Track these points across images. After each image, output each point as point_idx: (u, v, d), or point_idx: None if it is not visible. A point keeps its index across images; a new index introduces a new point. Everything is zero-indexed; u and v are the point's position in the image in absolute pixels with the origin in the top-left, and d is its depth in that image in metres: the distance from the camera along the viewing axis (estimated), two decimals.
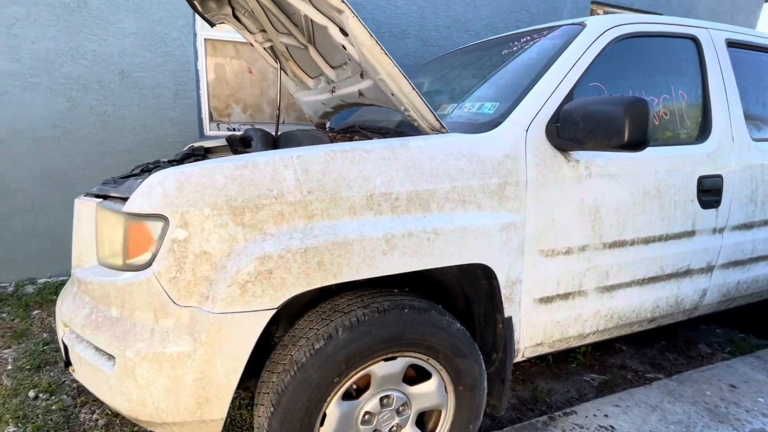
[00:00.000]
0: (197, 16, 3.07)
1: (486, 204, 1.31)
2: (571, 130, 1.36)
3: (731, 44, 1.94)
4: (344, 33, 1.43)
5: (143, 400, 1.08)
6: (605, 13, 4.44)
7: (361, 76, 1.59)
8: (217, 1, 2.24)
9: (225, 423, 1.48)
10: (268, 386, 1.20)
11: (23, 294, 2.87)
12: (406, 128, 1.85)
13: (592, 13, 4.35)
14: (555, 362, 2.34)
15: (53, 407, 1.83)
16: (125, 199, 1.22)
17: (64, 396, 1.91)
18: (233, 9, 2.29)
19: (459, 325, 1.35)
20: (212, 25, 2.36)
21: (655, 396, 1.97)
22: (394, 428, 1.37)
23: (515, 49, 1.81)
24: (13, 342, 2.32)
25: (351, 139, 1.68)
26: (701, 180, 1.73)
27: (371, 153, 1.21)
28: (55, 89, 2.80)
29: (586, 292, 1.58)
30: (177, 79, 3.02)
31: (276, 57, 2.46)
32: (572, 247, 1.49)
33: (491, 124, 1.43)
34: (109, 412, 1.82)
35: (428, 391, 1.37)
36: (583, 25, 1.65)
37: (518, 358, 1.57)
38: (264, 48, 2.43)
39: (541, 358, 2.36)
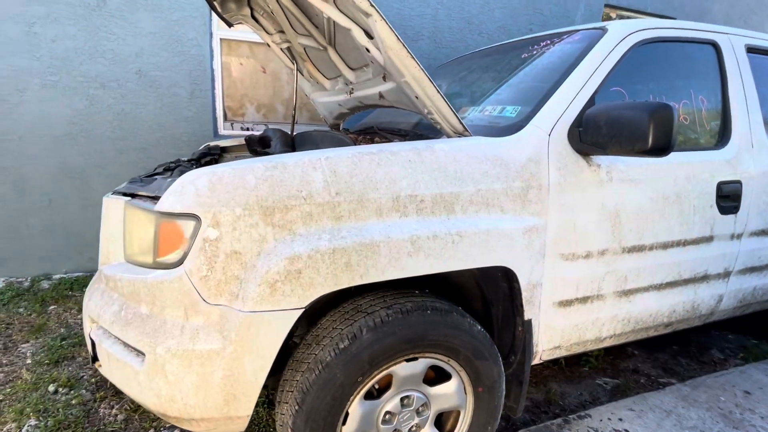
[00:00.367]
0: (214, 17, 3.10)
1: (509, 207, 1.32)
2: (594, 135, 1.36)
3: (751, 50, 1.94)
4: (369, 36, 1.44)
5: (172, 396, 1.10)
6: (618, 16, 4.43)
7: (384, 78, 1.61)
8: (237, 2, 2.27)
9: None
10: (291, 384, 1.21)
11: (39, 289, 2.91)
12: (424, 130, 1.86)
13: (605, 16, 4.34)
14: (568, 365, 2.35)
15: (73, 401, 1.86)
16: (154, 198, 1.24)
17: (83, 391, 1.94)
18: (252, 10, 2.32)
19: (480, 327, 1.36)
20: (230, 25, 2.38)
21: (669, 401, 1.97)
22: (414, 428, 1.38)
23: (535, 52, 1.81)
24: (31, 336, 2.35)
25: (372, 141, 1.69)
26: (720, 186, 1.73)
27: (397, 155, 1.22)
28: (73, 87, 2.83)
29: (604, 296, 1.58)
30: (193, 78, 3.05)
31: (293, 58, 2.48)
32: (592, 251, 1.50)
33: (514, 127, 1.44)
34: (128, 407, 1.84)
35: (448, 392, 1.38)
36: (604, 30, 1.66)
37: (535, 361, 1.58)
38: (281, 49, 2.45)
39: (554, 361, 2.37)
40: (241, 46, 3.27)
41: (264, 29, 2.38)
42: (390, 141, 1.68)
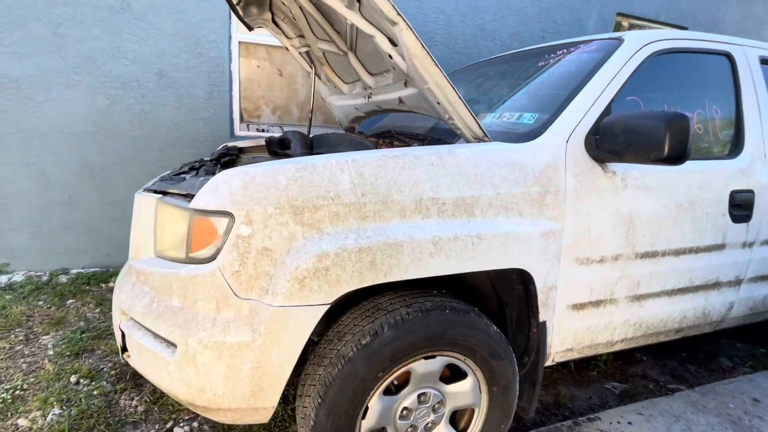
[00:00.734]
0: (233, 20, 3.16)
1: (527, 211, 1.36)
2: (610, 142, 1.40)
3: (765, 61, 1.97)
4: (393, 43, 1.49)
5: (202, 386, 1.14)
6: (630, 24, 4.46)
7: (405, 84, 1.65)
8: (259, 7, 2.33)
9: None
10: (314, 378, 1.25)
11: (57, 283, 2.98)
12: (441, 134, 1.91)
13: (618, 24, 4.37)
14: (577, 369, 2.37)
15: (94, 392, 1.91)
16: (185, 196, 1.29)
17: (104, 382, 1.99)
18: (273, 14, 2.37)
19: (495, 328, 1.39)
20: (251, 29, 2.44)
21: (678, 406, 1.99)
22: (429, 425, 1.42)
23: (552, 61, 1.85)
24: (51, 329, 2.41)
25: (391, 145, 1.74)
26: (733, 194, 1.75)
27: (420, 159, 1.26)
28: (96, 87, 2.91)
29: (617, 301, 1.61)
30: (211, 79, 3.12)
31: (311, 62, 2.53)
32: (606, 256, 1.53)
33: (532, 134, 1.48)
34: (148, 399, 1.89)
35: (463, 391, 1.42)
36: (621, 40, 1.70)
37: (548, 363, 1.61)
38: (300, 53, 2.51)
39: (563, 365, 2.39)
40: (258, 49, 3.34)
41: (284, 33, 2.44)
42: (409, 145, 1.72)
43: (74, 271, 3.14)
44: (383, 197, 1.19)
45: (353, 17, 1.54)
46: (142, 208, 1.41)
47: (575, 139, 1.46)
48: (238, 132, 3.36)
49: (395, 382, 1.35)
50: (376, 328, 1.23)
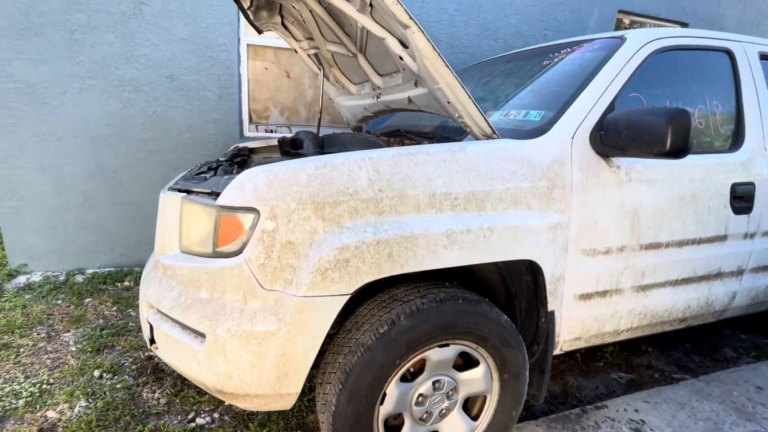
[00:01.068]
0: (242, 23, 3.23)
1: (535, 205, 1.42)
2: (614, 138, 1.46)
3: (764, 57, 2.02)
4: (403, 45, 1.55)
5: (230, 373, 1.21)
6: (631, 21, 4.51)
7: (416, 84, 1.71)
8: (269, 11, 2.39)
9: None
10: (334, 366, 1.32)
11: (74, 283, 3.05)
12: (448, 132, 1.97)
13: (619, 22, 4.42)
14: (583, 360, 2.43)
15: (117, 386, 1.98)
16: (210, 194, 1.35)
17: (126, 376, 2.06)
18: (282, 18, 2.44)
19: (506, 318, 1.45)
20: (260, 32, 2.50)
21: (683, 394, 2.04)
22: (443, 411, 1.48)
23: (556, 59, 1.91)
24: (72, 326, 2.49)
25: (402, 143, 1.80)
26: (734, 187, 1.81)
27: (433, 156, 1.32)
28: (109, 91, 2.98)
29: (622, 291, 1.67)
30: (221, 82, 3.18)
31: (319, 63, 2.60)
32: (611, 247, 1.59)
33: (538, 131, 1.53)
34: (170, 392, 1.96)
35: (476, 378, 1.48)
36: (623, 39, 1.75)
37: (556, 351, 1.67)
38: (308, 55, 2.57)
39: (570, 356, 2.45)
40: (266, 51, 3.40)
41: (292, 36, 2.50)
42: (419, 143, 1.78)
43: (90, 270, 3.22)
44: (399, 193, 1.26)
45: (365, 20, 1.60)
46: (167, 206, 1.48)
47: (580, 135, 1.52)
48: (247, 133, 3.42)
49: (411, 370, 1.42)
50: (393, 318, 1.29)
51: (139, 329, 2.50)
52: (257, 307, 1.18)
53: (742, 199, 1.84)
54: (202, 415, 1.83)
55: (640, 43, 1.72)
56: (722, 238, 1.83)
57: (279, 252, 1.17)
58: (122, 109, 3.04)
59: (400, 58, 1.60)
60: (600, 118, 1.55)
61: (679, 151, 1.35)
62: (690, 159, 1.73)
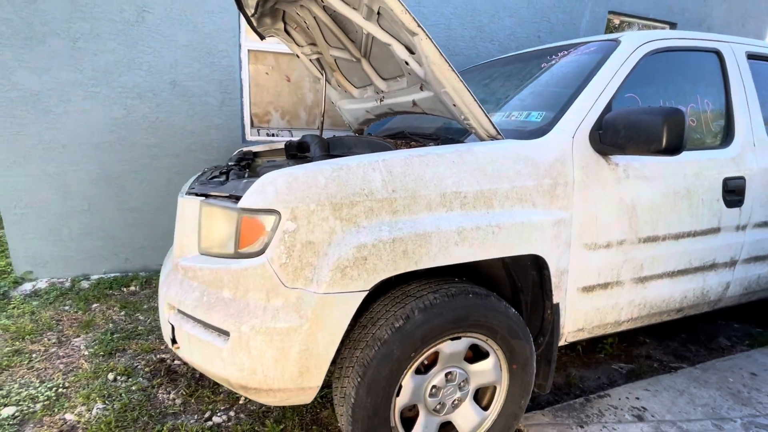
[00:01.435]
0: (243, 28, 3.28)
1: (540, 202, 1.49)
2: (613, 137, 1.53)
3: (751, 56, 2.11)
4: (410, 51, 1.61)
5: (254, 369, 1.26)
6: (621, 22, 4.61)
7: (421, 88, 1.77)
8: (272, 18, 2.44)
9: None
10: (351, 361, 1.37)
11: (80, 289, 3.07)
12: (451, 134, 2.03)
13: (609, 22, 4.52)
14: (585, 353, 2.50)
15: (133, 388, 2.02)
16: (229, 197, 1.41)
17: (140, 378, 2.10)
18: (285, 24, 2.49)
19: (513, 310, 1.52)
20: (263, 38, 2.55)
21: (681, 382, 2.13)
22: (456, 402, 1.54)
23: (554, 62, 1.98)
24: (81, 331, 2.52)
25: (408, 145, 1.86)
26: (726, 181, 1.89)
27: (443, 157, 1.39)
28: (112, 98, 3.01)
29: (622, 283, 1.74)
30: (223, 87, 3.23)
31: (321, 68, 2.65)
32: (612, 241, 1.66)
33: (540, 131, 1.60)
34: (184, 393, 2.00)
35: (486, 369, 1.54)
36: (618, 41, 1.83)
37: (561, 342, 1.74)
38: (310, 59, 2.63)
39: (572, 348, 2.52)
40: (267, 56, 3.45)
41: (294, 41, 2.55)
42: (425, 144, 1.84)
43: (95, 276, 3.25)
44: (411, 192, 1.32)
45: (371, 28, 1.66)
46: (185, 210, 1.53)
47: (580, 134, 1.59)
48: (249, 137, 3.47)
49: (425, 363, 1.48)
50: (407, 313, 1.35)
51: (150, 332, 2.53)
52: (280, 304, 1.24)
53: (733, 192, 1.92)
54: (219, 414, 1.87)
55: (634, 45, 1.80)
56: (716, 230, 1.91)
57: (300, 251, 1.22)
58: (125, 116, 3.07)
59: (406, 63, 1.66)
60: (599, 118, 1.62)
61: (674, 148, 1.42)
62: (684, 156, 1.81)
